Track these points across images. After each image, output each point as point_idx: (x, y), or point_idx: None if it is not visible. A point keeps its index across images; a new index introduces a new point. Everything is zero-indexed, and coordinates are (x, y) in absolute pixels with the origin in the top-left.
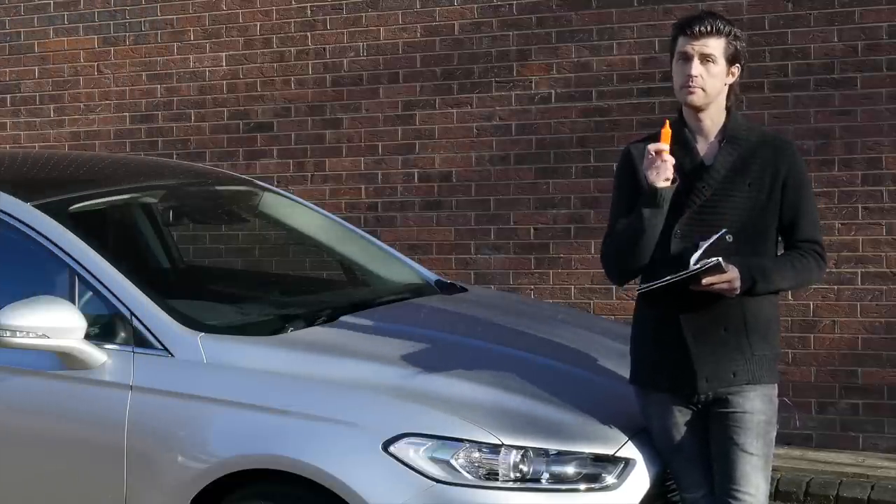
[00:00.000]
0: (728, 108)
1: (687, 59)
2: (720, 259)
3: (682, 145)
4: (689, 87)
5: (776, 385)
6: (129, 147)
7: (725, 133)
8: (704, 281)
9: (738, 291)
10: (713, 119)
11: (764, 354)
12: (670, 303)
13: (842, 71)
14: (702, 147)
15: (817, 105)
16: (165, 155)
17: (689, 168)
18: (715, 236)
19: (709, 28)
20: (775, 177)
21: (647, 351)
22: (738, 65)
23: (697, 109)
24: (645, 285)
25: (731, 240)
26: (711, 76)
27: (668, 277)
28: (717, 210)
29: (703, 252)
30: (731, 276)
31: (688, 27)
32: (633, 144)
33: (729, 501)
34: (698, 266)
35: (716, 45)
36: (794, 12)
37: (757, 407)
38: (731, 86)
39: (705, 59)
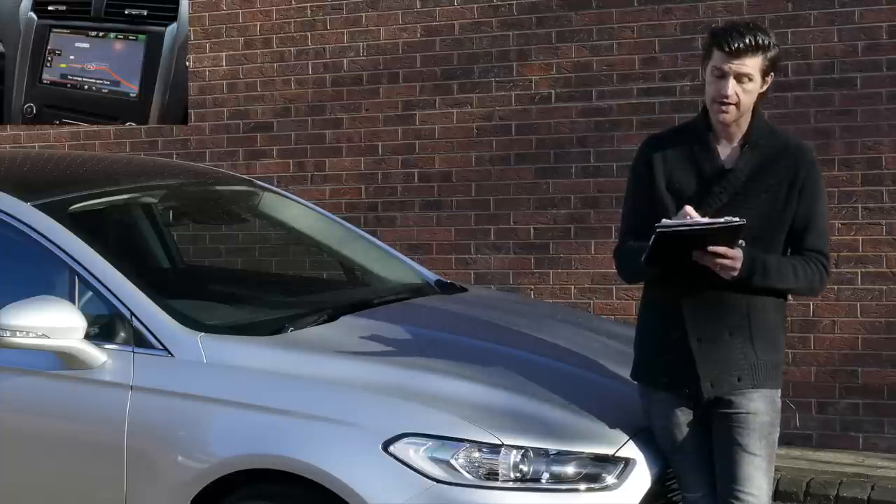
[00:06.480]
0: (754, 110)
1: (722, 75)
2: (745, 221)
3: (703, 146)
4: (723, 105)
5: (779, 389)
6: (129, 147)
7: (748, 138)
8: (716, 249)
9: (734, 274)
10: (739, 124)
11: (768, 360)
12: (676, 304)
13: (842, 71)
14: (723, 149)
15: (817, 105)
16: (165, 155)
17: (709, 171)
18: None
19: (748, 44)
20: (792, 185)
21: (651, 351)
22: (772, 73)
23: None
24: (663, 226)
25: (742, 244)
26: (746, 93)
27: (689, 222)
28: (733, 215)
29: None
30: (737, 256)
31: (726, 44)
32: (653, 136)
33: (731, 502)
34: (723, 221)
35: (753, 64)
36: (794, 12)
37: (760, 408)
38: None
39: (741, 77)
